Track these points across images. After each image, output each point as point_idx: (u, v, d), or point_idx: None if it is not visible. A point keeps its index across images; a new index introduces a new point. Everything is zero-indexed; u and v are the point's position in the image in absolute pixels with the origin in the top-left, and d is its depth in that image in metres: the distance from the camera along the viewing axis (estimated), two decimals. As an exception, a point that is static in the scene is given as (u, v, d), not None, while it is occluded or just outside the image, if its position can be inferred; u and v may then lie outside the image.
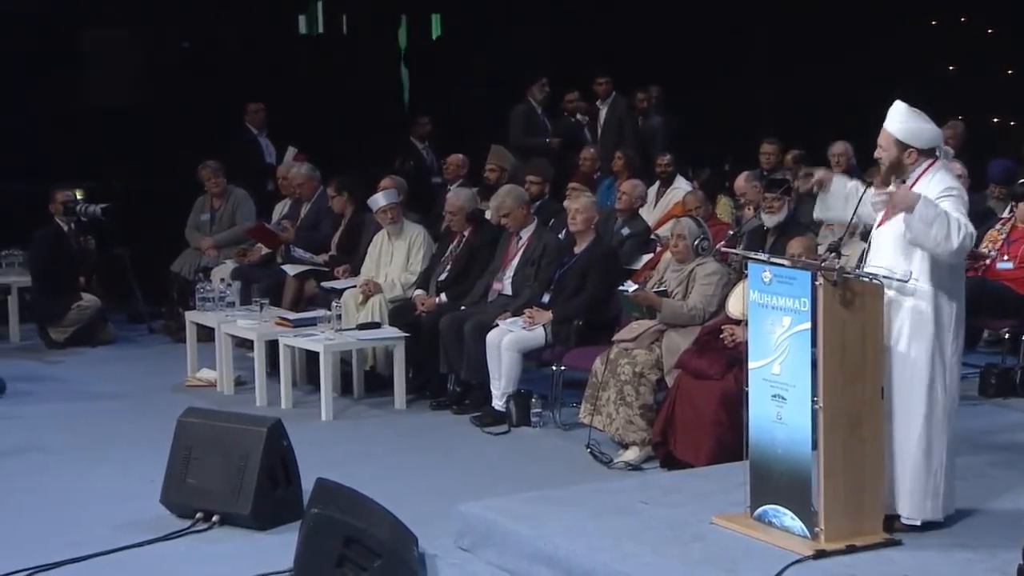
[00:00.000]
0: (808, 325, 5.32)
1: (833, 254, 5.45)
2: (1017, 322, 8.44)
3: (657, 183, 11.01)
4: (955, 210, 5.41)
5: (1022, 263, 8.73)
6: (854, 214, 5.71)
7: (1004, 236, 8.99)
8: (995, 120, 14.03)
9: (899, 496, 5.50)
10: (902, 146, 5.55)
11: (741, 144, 12.28)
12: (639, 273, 8.83)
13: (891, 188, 5.45)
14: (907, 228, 5.37)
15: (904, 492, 5.49)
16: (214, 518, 6.36)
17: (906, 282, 5.38)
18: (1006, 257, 8.83)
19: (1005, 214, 9.35)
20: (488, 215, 10.05)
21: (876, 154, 5.63)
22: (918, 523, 5.52)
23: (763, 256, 5.75)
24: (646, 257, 9.37)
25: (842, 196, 5.73)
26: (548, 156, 11.74)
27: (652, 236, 9.77)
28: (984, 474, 5.77)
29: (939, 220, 5.29)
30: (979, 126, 12.55)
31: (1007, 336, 8.42)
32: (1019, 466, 6.45)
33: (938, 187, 5.48)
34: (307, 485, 6.34)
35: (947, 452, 5.53)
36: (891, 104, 5.62)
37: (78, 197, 11.21)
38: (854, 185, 5.79)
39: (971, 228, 5.41)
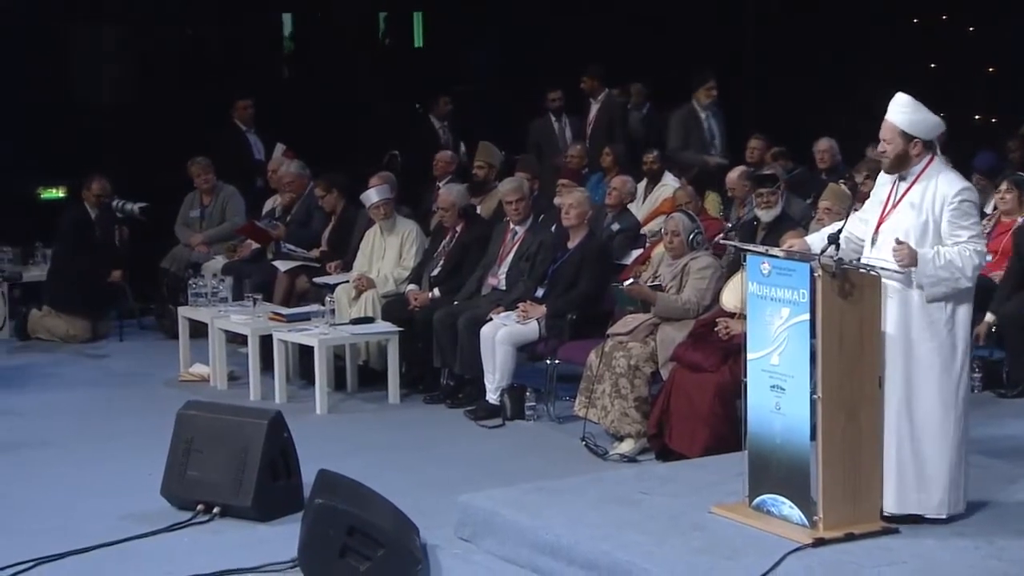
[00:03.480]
0: (807, 316, 5.39)
1: (832, 246, 5.51)
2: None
3: (645, 179, 11.06)
4: (966, 224, 5.43)
5: (1002, 257, 8.85)
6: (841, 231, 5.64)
7: (988, 230, 9.09)
8: (976, 117, 14.13)
9: (921, 493, 5.51)
10: (907, 137, 5.52)
11: (727, 140, 12.32)
12: (629, 268, 8.89)
13: (899, 248, 5.41)
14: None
15: (930, 489, 5.50)
16: (215, 510, 6.40)
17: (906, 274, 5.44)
18: (988, 255, 8.99)
19: (988, 209, 9.46)
20: (480, 210, 10.11)
21: (880, 147, 5.61)
22: (944, 517, 5.55)
23: (762, 248, 5.81)
24: (636, 252, 9.42)
25: (822, 240, 5.66)
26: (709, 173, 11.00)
27: (642, 231, 9.83)
28: (977, 465, 5.84)
29: (941, 279, 5.37)
30: (961, 124, 12.63)
31: (993, 330, 8.50)
32: (1010, 457, 6.54)
33: (948, 190, 5.45)
34: (305, 478, 6.42)
35: (964, 446, 5.58)
36: (889, 98, 5.59)
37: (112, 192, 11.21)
38: (830, 232, 5.67)
39: (979, 247, 5.44)
